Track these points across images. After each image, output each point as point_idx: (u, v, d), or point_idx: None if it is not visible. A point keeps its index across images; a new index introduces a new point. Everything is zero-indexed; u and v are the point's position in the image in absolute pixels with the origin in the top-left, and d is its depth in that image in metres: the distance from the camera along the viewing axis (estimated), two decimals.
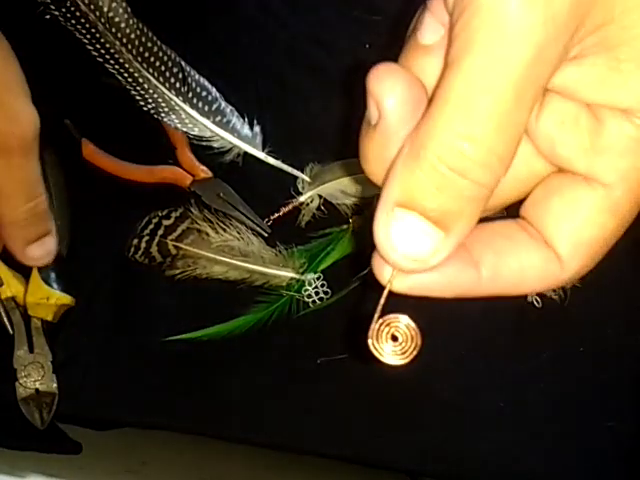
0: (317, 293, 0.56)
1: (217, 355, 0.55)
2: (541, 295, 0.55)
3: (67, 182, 0.58)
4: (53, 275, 0.55)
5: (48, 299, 0.54)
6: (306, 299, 0.56)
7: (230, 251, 0.56)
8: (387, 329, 0.30)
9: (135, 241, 0.56)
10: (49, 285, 0.55)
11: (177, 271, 0.56)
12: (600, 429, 0.53)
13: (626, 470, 0.53)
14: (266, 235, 0.57)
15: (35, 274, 0.55)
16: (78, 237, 0.58)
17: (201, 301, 0.56)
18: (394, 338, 0.30)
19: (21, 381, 0.53)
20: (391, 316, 0.30)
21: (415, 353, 0.30)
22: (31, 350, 0.54)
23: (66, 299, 0.55)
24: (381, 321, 0.30)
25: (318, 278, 0.56)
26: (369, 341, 0.30)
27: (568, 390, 0.54)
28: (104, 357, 0.55)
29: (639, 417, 0.53)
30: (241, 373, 0.55)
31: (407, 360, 0.30)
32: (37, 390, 0.53)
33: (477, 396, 0.54)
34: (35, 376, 0.53)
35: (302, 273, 0.56)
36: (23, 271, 0.55)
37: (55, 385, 0.53)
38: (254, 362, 0.55)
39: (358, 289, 0.56)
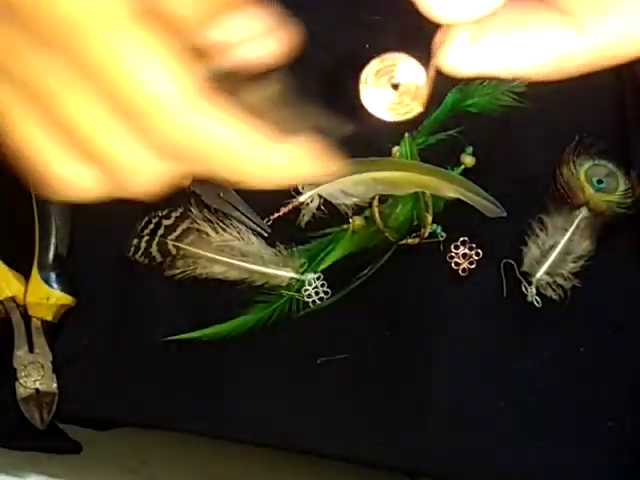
0: (317, 293, 0.56)
1: (217, 355, 0.55)
2: (541, 295, 0.55)
3: None
4: (53, 275, 0.55)
5: (48, 299, 0.54)
6: (306, 299, 0.56)
7: (230, 251, 0.56)
8: (388, 74, 0.24)
9: (135, 241, 0.56)
10: (49, 285, 0.55)
11: (177, 271, 0.56)
12: (600, 429, 0.53)
13: (626, 470, 0.52)
14: (266, 235, 0.57)
15: (35, 274, 0.55)
16: (78, 237, 0.58)
17: (201, 301, 0.56)
18: (394, 87, 0.24)
19: (21, 381, 0.53)
20: (396, 55, 0.24)
21: (415, 112, 0.24)
22: (31, 350, 0.54)
23: (66, 299, 0.55)
24: (381, 58, 0.24)
25: (318, 278, 0.56)
26: (361, 83, 0.24)
27: (568, 390, 0.54)
28: (104, 357, 0.55)
29: (639, 417, 0.53)
30: (241, 373, 0.55)
31: (401, 117, 0.24)
32: (37, 390, 0.53)
33: (477, 396, 0.54)
34: (35, 376, 0.53)
35: (302, 273, 0.56)
36: (23, 271, 0.55)
37: (55, 385, 0.53)
38: (254, 362, 0.55)
39: (358, 289, 0.56)
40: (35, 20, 0.24)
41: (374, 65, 0.23)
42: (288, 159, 0.26)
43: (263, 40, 0.28)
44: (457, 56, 0.23)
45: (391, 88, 0.24)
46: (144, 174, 0.28)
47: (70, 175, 0.29)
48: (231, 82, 0.26)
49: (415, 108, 0.23)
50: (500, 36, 0.24)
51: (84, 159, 0.28)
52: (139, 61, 0.24)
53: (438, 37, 0.23)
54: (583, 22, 0.24)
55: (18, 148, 0.29)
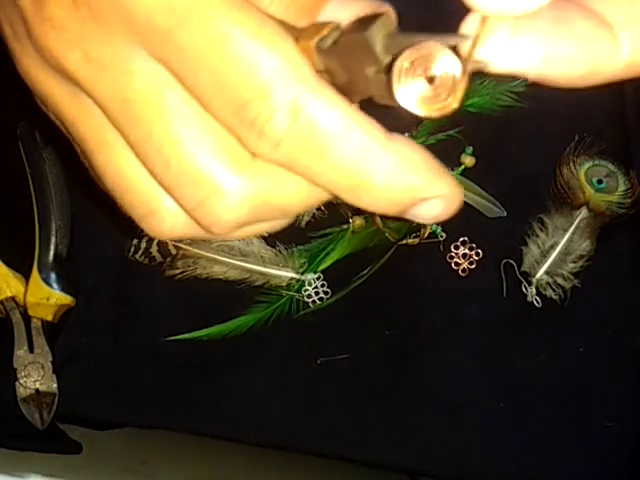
0: (317, 293, 0.56)
1: (217, 355, 0.55)
2: (541, 295, 0.55)
3: (67, 182, 0.58)
4: (53, 275, 0.55)
5: (48, 299, 0.54)
6: (306, 299, 0.56)
7: (230, 251, 0.56)
8: (423, 65, 0.22)
9: (135, 241, 0.56)
10: (49, 285, 0.55)
11: (177, 271, 0.56)
12: (600, 429, 0.53)
13: (626, 470, 0.53)
14: (266, 235, 0.57)
15: (35, 274, 0.55)
16: (78, 237, 0.58)
17: (201, 301, 0.56)
18: (429, 80, 0.22)
19: (21, 381, 0.53)
20: (433, 45, 0.22)
21: (450, 109, 0.22)
22: (31, 350, 0.54)
23: (66, 299, 0.55)
24: (417, 48, 0.22)
25: (318, 278, 0.56)
26: (393, 74, 0.22)
27: (568, 390, 0.54)
28: (104, 357, 0.55)
29: (639, 417, 0.53)
30: (241, 373, 0.55)
31: (435, 113, 0.22)
32: (37, 390, 0.53)
33: (477, 396, 0.54)
34: (35, 376, 0.53)
35: (302, 273, 0.56)
36: (23, 271, 0.55)
37: (55, 385, 0.53)
38: (254, 362, 0.55)
39: (358, 289, 0.56)
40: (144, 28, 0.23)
41: (408, 54, 0.22)
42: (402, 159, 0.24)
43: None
44: (495, 50, 0.23)
45: (426, 81, 0.22)
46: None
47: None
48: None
49: (451, 104, 0.22)
50: (539, 37, 0.23)
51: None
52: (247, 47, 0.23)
53: (474, 28, 0.22)
54: (619, 36, 0.23)
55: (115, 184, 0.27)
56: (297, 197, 0.26)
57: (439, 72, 0.22)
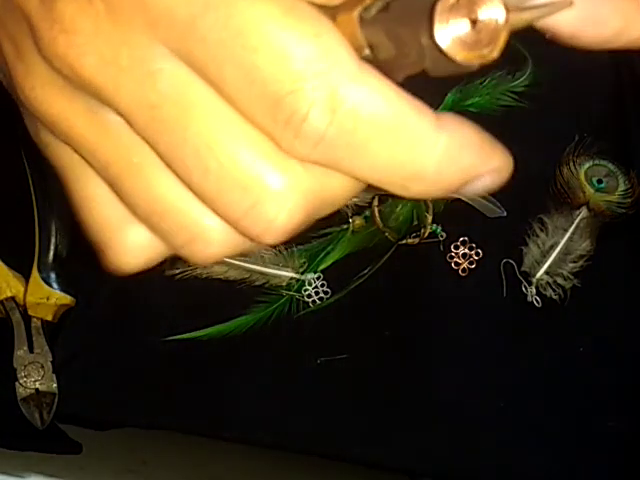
0: (317, 293, 0.56)
1: (217, 355, 0.55)
2: (541, 295, 0.55)
3: None
4: (53, 275, 0.55)
5: (48, 299, 0.54)
6: (306, 299, 0.56)
7: None
8: (467, 7, 0.21)
9: None
10: (49, 285, 0.55)
11: (177, 271, 0.56)
12: (600, 429, 0.53)
13: (626, 470, 0.52)
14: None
15: (35, 274, 0.55)
16: (78, 237, 0.57)
17: (201, 301, 0.56)
18: (472, 22, 0.21)
19: (21, 381, 0.53)
20: None
21: (489, 58, 0.21)
22: (31, 350, 0.54)
23: (66, 299, 0.55)
24: None
25: (318, 278, 0.56)
26: (436, 12, 0.20)
27: (568, 390, 0.54)
28: (104, 357, 0.55)
29: (639, 417, 0.53)
30: (241, 373, 0.55)
31: (472, 61, 0.21)
32: (37, 390, 0.53)
33: (477, 396, 0.54)
34: (35, 376, 0.53)
35: (302, 273, 0.56)
36: (23, 271, 0.55)
37: (55, 385, 0.53)
38: (254, 362, 0.55)
39: (358, 289, 0.56)
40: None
41: None
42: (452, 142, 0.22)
43: None
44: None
45: (469, 22, 0.21)
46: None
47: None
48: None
49: (491, 52, 0.21)
50: None
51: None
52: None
53: None
54: None
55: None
56: (347, 187, 0.24)
57: (484, 16, 0.20)
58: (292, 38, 0.20)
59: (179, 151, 0.22)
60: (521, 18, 0.22)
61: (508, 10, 0.21)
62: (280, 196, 0.22)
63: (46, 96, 0.24)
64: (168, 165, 0.23)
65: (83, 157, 0.25)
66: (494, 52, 0.21)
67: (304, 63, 0.20)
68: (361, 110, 0.21)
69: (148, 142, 0.23)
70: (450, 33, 0.21)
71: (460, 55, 0.21)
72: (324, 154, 0.22)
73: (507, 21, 0.21)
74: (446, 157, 0.22)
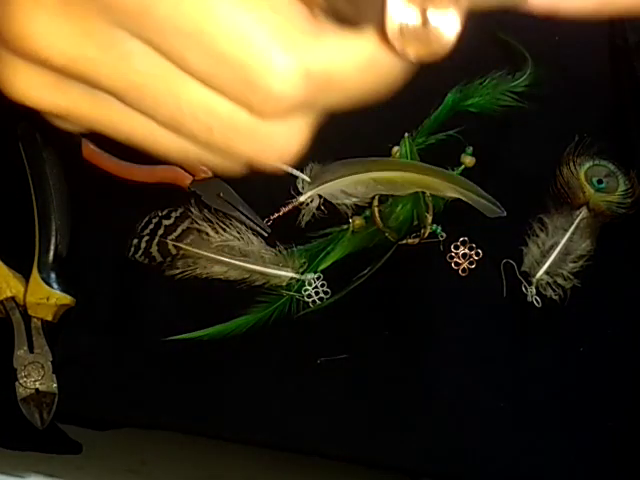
0: (317, 293, 0.56)
1: (217, 355, 0.55)
2: (541, 295, 0.55)
3: (67, 182, 0.58)
4: (53, 275, 0.55)
5: (48, 299, 0.54)
6: (306, 299, 0.56)
7: (230, 251, 0.56)
8: None
9: (135, 241, 0.56)
10: (49, 285, 0.55)
11: (177, 271, 0.56)
12: (600, 429, 0.53)
13: (626, 470, 0.52)
14: (266, 235, 0.57)
15: (35, 274, 0.55)
16: (78, 237, 0.58)
17: (201, 301, 0.56)
18: None
19: (21, 381, 0.53)
20: None
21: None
22: (31, 350, 0.54)
23: (66, 299, 0.55)
24: None
25: (318, 278, 0.56)
26: None
27: (568, 390, 0.54)
28: (104, 357, 0.55)
29: (639, 417, 0.53)
30: (241, 373, 0.55)
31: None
32: (37, 390, 0.53)
33: (477, 396, 0.54)
34: (35, 376, 0.53)
35: (302, 273, 0.56)
36: (23, 271, 0.55)
37: (55, 385, 0.53)
38: (254, 362, 0.55)
39: (358, 289, 0.56)
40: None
41: None
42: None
43: None
44: None
45: None
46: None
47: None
48: None
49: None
50: None
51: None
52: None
53: None
54: None
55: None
56: (355, 70, 0.24)
57: None
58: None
59: (179, 118, 0.24)
60: None
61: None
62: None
63: (45, 94, 0.25)
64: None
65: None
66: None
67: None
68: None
69: (148, 114, 0.24)
70: None
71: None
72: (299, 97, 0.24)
73: None
74: None
